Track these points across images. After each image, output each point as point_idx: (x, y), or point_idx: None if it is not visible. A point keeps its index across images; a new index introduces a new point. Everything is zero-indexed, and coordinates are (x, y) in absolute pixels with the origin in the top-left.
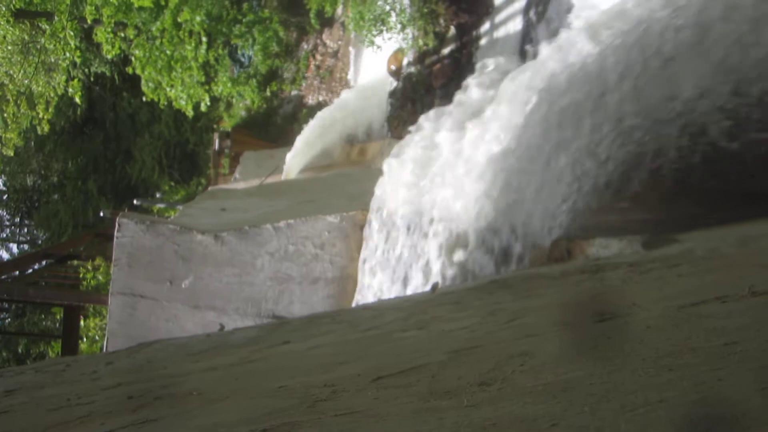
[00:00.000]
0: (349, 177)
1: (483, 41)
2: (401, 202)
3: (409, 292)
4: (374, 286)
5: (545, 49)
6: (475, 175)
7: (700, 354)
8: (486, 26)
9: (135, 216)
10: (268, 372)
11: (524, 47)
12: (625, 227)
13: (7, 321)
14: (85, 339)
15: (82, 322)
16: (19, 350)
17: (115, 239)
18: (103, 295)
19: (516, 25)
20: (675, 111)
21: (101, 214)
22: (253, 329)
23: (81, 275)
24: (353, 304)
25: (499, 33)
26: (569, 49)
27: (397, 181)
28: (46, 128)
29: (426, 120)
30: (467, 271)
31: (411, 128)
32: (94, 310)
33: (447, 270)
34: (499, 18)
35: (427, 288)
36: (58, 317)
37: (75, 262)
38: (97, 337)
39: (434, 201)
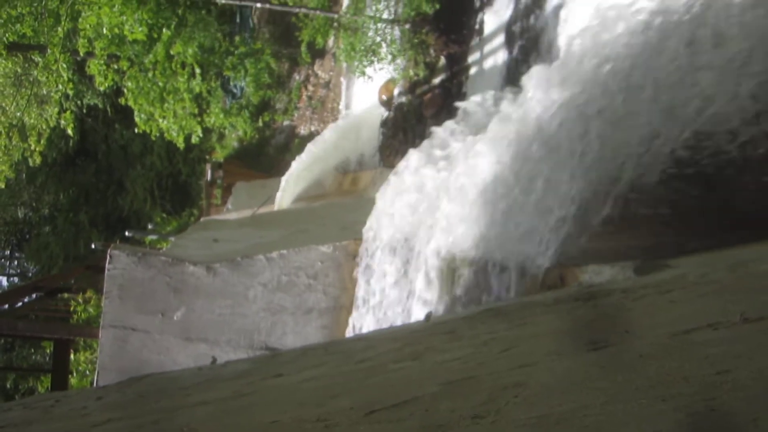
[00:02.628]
0: (342, 206)
1: (472, 70)
2: (394, 231)
3: (403, 321)
4: (367, 316)
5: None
6: (466, 205)
7: (692, 383)
8: (475, 56)
9: (127, 248)
10: (260, 406)
11: (510, 77)
12: (617, 253)
13: None
14: (75, 373)
15: (72, 356)
16: (8, 386)
17: (106, 271)
18: (93, 328)
19: (502, 56)
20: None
21: (92, 246)
22: (245, 362)
23: (72, 308)
24: (347, 334)
25: (488, 63)
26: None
27: (389, 211)
28: (38, 160)
29: (415, 151)
30: (461, 300)
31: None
32: (84, 343)
33: (440, 298)
34: (487, 48)
35: (421, 317)
36: (48, 351)
37: (66, 295)
38: (87, 372)
39: (427, 230)
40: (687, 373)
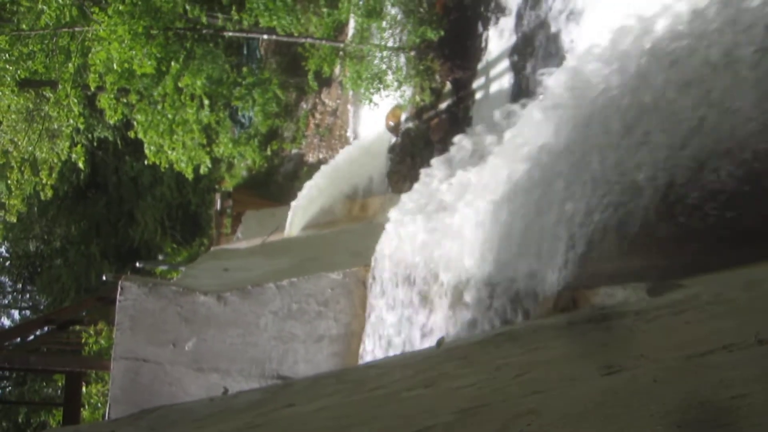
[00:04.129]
0: (351, 233)
1: (478, 95)
2: (404, 256)
3: (413, 347)
4: (378, 342)
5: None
6: (476, 229)
7: (708, 409)
8: (481, 80)
9: (137, 279)
10: None
11: (515, 101)
12: (630, 274)
13: (7, 389)
14: (87, 406)
15: (84, 389)
16: (20, 420)
17: (117, 303)
18: (105, 360)
19: (508, 80)
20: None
21: (104, 277)
22: (257, 392)
23: (83, 340)
24: (359, 361)
25: (493, 87)
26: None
27: (399, 236)
28: (50, 194)
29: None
30: (473, 324)
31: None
32: (96, 376)
33: (452, 323)
34: (492, 73)
35: (433, 343)
36: (60, 384)
37: (77, 328)
38: (99, 404)
39: (437, 254)
40: (702, 398)
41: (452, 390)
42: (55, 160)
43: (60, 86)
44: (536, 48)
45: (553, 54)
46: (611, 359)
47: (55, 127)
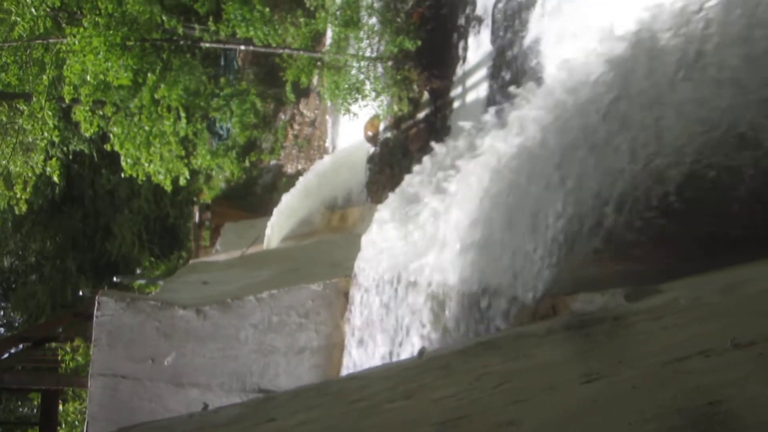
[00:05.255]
0: (331, 243)
1: (456, 104)
2: (384, 265)
3: (395, 357)
4: (359, 353)
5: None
6: (454, 237)
7: (685, 416)
8: (458, 90)
9: (115, 293)
10: None
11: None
12: (609, 280)
13: None
14: (64, 425)
15: (60, 407)
16: None
17: (94, 318)
18: (82, 377)
19: (484, 89)
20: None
21: (80, 293)
22: (238, 407)
23: (59, 357)
24: (341, 372)
25: (470, 96)
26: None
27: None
28: (24, 208)
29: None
30: (454, 333)
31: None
32: (73, 393)
33: (431, 332)
34: (469, 82)
35: (412, 352)
36: (36, 403)
37: (53, 345)
38: (77, 423)
39: (416, 263)
40: (680, 404)
41: (433, 401)
42: (30, 174)
43: (34, 99)
44: (512, 58)
45: (528, 65)
46: (591, 367)
47: (30, 140)
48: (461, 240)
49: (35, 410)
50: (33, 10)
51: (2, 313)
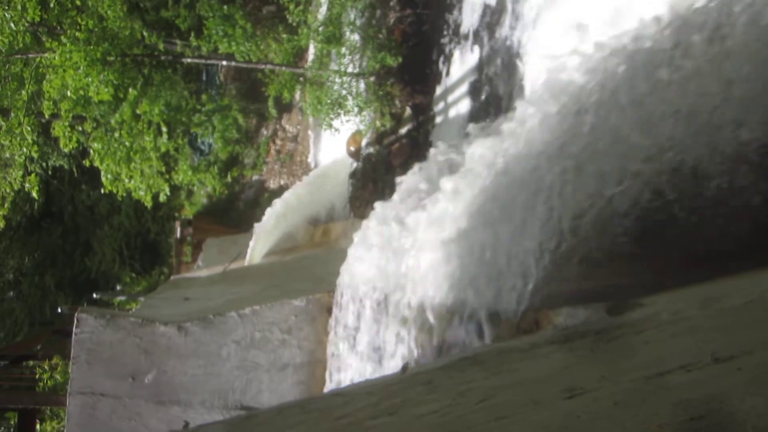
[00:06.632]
0: (314, 259)
1: (438, 119)
2: (366, 281)
3: (380, 373)
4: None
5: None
6: (437, 251)
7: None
8: (440, 105)
9: (94, 310)
10: None
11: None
12: (591, 294)
13: None
14: None
15: (38, 427)
16: None
17: (73, 335)
18: (60, 396)
19: (466, 105)
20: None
21: (59, 310)
22: (218, 425)
23: (37, 376)
24: (325, 389)
25: (452, 112)
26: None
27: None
28: (2, 224)
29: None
30: (437, 348)
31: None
32: (51, 412)
33: (414, 348)
34: (450, 98)
35: (395, 368)
36: (12, 422)
37: (31, 363)
38: None
39: (400, 277)
40: (662, 420)
41: (416, 417)
42: (8, 190)
43: (12, 114)
44: (493, 74)
45: (509, 78)
46: (573, 382)
47: (8, 156)
48: (443, 254)
49: (12, 430)
50: (12, 24)
51: None
